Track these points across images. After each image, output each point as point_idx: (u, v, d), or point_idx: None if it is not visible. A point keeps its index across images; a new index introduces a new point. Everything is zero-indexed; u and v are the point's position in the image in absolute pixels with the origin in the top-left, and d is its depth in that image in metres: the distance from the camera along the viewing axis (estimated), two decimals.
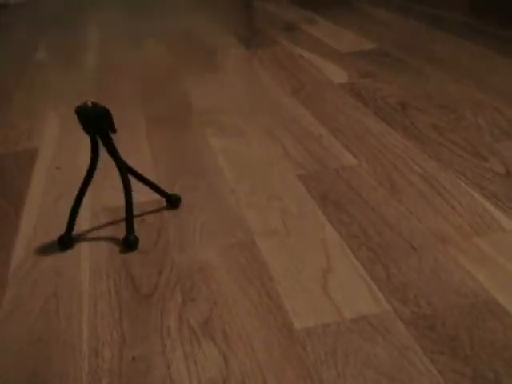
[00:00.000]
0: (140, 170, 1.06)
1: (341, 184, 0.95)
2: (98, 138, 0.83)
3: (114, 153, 0.85)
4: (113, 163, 1.13)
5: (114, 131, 0.81)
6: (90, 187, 1.02)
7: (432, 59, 1.51)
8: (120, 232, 0.88)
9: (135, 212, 0.93)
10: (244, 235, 0.84)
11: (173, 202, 0.93)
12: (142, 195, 0.97)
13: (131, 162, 1.10)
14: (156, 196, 0.97)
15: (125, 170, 0.85)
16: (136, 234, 0.85)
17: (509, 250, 0.74)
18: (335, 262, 0.76)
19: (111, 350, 0.66)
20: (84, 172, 1.09)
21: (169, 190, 0.98)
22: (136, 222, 0.90)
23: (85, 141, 1.23)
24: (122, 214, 0.92)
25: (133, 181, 1.03)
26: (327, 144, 1.09)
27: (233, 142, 1.15)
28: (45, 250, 0.86)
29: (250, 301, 0.71)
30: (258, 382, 0.59)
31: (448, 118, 1.15)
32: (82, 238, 0.88)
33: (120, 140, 1.21)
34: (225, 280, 0.75)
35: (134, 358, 0.64)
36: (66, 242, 0.85)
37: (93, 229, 0.90)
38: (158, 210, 0.93)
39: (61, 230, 0.90)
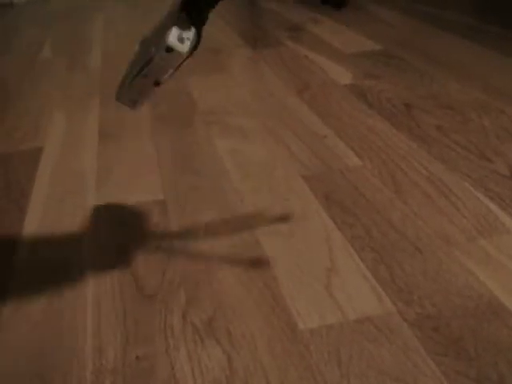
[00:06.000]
0: (144, 170, 1.06)
1: (345, 185, 0.94)
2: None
3: None
4: (114, 163, 1.13)
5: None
6: (94, 185, 1.02)
7: (437, 60, 1.51)
8: (122, 232, 0.88)
9: (138, 210, 0.93)
10: (248, 235, 0.84)
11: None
12: (145, 194, 0.97)
13: (135, 162, 1.10)
14: (159, 195, 0.97)
15: None
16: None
17: None
18: (339, 263, 0.76)
19: (115, 349, 0.66)
20: (86, 172, 1.09)
21: (172, 190, 0.98)
22: (138, 222, 0.90)
23: (90, 139, 1.23)
24: (124, 214, 0.92)
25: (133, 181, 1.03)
26: (332, 144, 1.09)
27: (237, 142, 1.15)
28: (49, 249, 0.86)
29: (254, 301, 0.71)
30: (261, 382, 0.59)
31: (453, 119, 1.15)
32: (85, 236, 0.88)
33: (124, 139, 1.21)
34: (228, 280, 0.75)
35: (137, 358, 0.64)
36: None
37: (96, 228, 0.90)
38: (162, 209, 0.93)
39: (64, 228, 0.90)
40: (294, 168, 1.02)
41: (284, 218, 0.87)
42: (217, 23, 2.15)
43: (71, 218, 0.93)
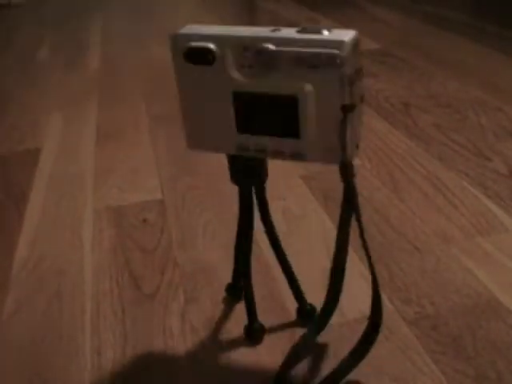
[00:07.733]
0: (143, 170, 1.06)
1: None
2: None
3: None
4: (113, 163, 1.13)
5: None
6: (93, 186, 1.02)
7: (435, 59, 1.51)
8: (122, 231, 0.88)
9: (136, 211, 0.93)
10: None
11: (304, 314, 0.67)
12: (143, 194, 0.97)
13: (133, 162, 1.10)
14: (158, 195, 0.97)
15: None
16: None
17: (511, 249, 0.74)
18: None
19: (114, 349, 0.66)
20: (85, 172, 1.09)
21: (171, 190, 0.98)
22: (138, 221, 0.90)
23: (88, 140, 1.23)
24: (125, 214, 0.93)
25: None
26: None
27: None
28: (48, 249, 0.86)
29: None
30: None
31: (451, 117, 1.15)
32: (84, 237, 0.88)
33: (122, 140, 1.21)
34: (227, 280, 0.75)
35: (136, 358, 0.64)
36: (237, 291, 0.70)
37: (95, 228, 0.90)
38: (161, 210, 0.93)
39: (63, 229, 0.90)
40: (292, 167, 1.02)
41: (282, 218, 0.87)
42: (214, 22, 2.15)
43: (70, 219, 0.93)
